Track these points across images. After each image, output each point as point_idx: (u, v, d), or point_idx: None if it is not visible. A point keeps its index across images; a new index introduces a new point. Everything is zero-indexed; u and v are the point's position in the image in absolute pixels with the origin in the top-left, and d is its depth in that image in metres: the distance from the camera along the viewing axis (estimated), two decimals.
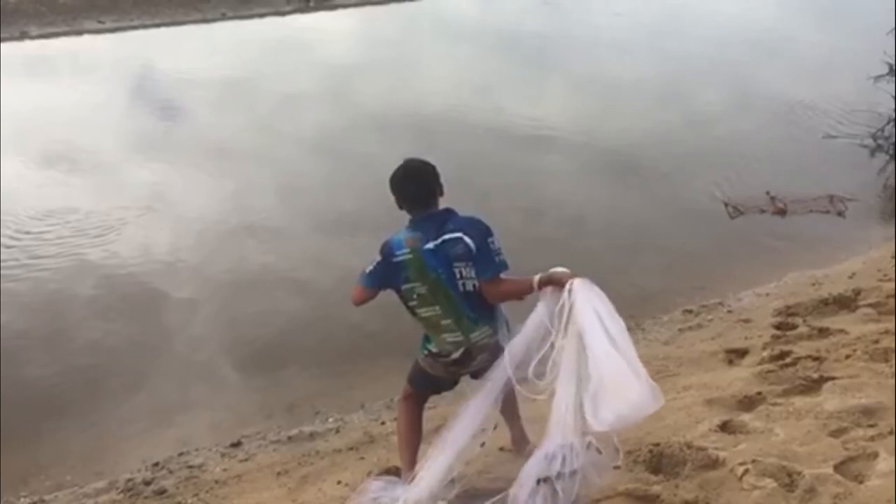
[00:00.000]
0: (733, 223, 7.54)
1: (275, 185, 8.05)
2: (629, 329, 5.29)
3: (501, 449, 4.19)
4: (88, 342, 5.91)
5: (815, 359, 4.77)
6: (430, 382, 3.87)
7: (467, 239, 3.50)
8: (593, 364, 3.28)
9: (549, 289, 3.45)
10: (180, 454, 4.84)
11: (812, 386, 4.47)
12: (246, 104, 10.04)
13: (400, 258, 3.54)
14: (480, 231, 3.54)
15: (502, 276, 3.52)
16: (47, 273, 6.70)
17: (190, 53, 11.94)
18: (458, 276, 3.51)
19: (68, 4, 12.90)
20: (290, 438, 4.90)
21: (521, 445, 4.09)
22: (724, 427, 4.12)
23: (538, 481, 3.42)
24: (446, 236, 3.51)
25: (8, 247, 7.02)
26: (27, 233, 7.22)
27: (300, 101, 10.02)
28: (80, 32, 12.49)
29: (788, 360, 4.84)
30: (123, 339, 5.94)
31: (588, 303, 3.35)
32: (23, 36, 12.12)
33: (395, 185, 3.64)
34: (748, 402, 4.41)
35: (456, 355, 3.62)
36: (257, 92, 10.41)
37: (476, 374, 3.73)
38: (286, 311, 6.21)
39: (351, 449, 4.63)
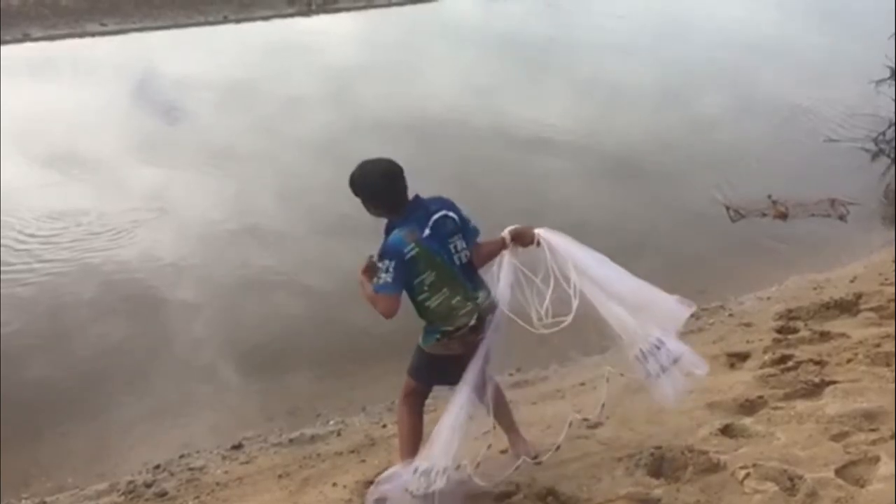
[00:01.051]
0: (735, 226, 7.54)
1: (277, 187, 8.05)
2: None
3: (503, 452, 4.21)
4: (90, 344, 5.91)
5: (817, 363, 4.78)
6: (438, 373, 3.86)
7: (452, 214, 3.71)
8: (609, 288, 3.78)
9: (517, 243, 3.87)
10: (181, 456, 4.83)
11: (813, 390, 4.48)
12: (248, 107, 10.05)
13: (409, 254, 3.57)
14: (454, 204, 3.78)
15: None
16: (48, 275, 6.70)
17: (192, 56, 11.95)
18: (453, 251, 3.68)
19: (70, 7, 12.91)
20: (291, 441, 4.89)
21: (519, 447, 4.10)
22: (726, 431, 4.13)
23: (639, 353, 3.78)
24: (434, 217, 3.65)
25: (12, 249, 7.02)
26: (31, 235, 7.22)
27: (302, 104, 10.02)
28: (82, 35, 12.50)
29: (790, 363, 4.85)
30: (125, 341, 5.94)
31: (565, 242, 3.87)
32: (25, 38, 12.14)
33: (383, 189, 3.64)
34: (749, 406, 4.42)
35: (472, 322, 3.69)
36: (259, 95, 10.41)
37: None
38: (288, 314, 6.22)
39: (352, 452, 4.63)
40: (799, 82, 10.72)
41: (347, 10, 14.11)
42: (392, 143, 8.33)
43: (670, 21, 13.88)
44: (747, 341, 5.45)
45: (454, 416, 3.72)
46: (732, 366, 5.14)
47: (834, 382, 4.48)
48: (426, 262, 3.60)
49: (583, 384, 5.15)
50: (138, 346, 5.89)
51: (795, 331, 5.48)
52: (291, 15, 13.70)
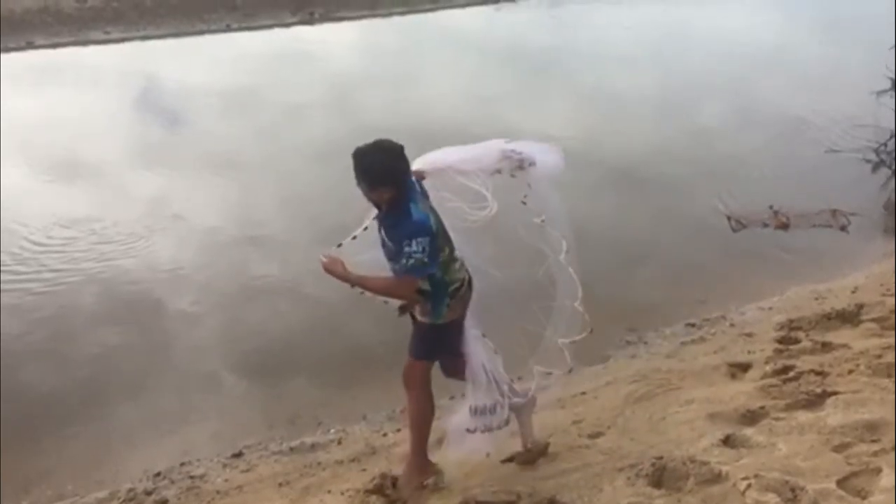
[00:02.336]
0: (736, 236, 7.53)
1: (278, 195, 8.06)
2: (632, 344, 5.41)
3: (508, 460, 4.21)
4: (91, 351, 5.92)
5: (818, 373, 4.77)
6: (446, 343, 3.99)
7: None
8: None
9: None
10: (182, 464, 4.84)
11: (815, 401, 4.47)
12: (250, 115, 10.06)
13: (432, 224, 3.68)
14: None
15: None
16: (49, 282, 6.71)
17: (195, 64, 11.98)
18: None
19: (74, 15, 12.94)
20: (291, 449, 4.90)
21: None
22: (727, 441, 4.12)
23: None
24: (419, 185, 3.83)
25: (18, 256, 7.03)
26: (36, 243, 7.22)
27: (304, 113, 10.04)
28: (85, 43, 12.54)
29: (791, 374, 4.84)
30: (125, 349, 5.94)
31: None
32: (29, 46, 12.17)
33: (401, 168, 3.67)
34: (751, 417, 4.41)
35: (467, 277, 3.89)
36: (262, 103, 10.43)
37: None
38: (289, 322, 6.22)
39: (353, 460, 4.63)
40: (800, 93, 10.72)
41: (349, 18, 14.14)
42: None
43: (673, 31, 13.90)
44: (748, 351, 5.45)
45: (479, 358, 3.98)
46: (734, 376, 5.13)
47: (835, 393, 4.47)
48: (436, 225, 3.73)
49: (584, 393, 5.15)
50: (139, 353, 5.89)
51: (797, 341, 5.48)
52: (294, 24, 13.72)
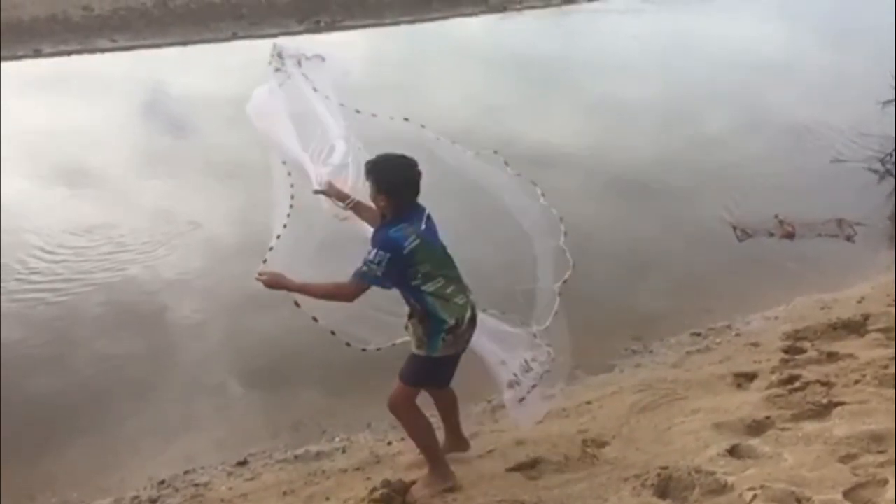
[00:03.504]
0: (742, 246, 7.52)
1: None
2: (637, 353, 5.42)
3: (514, 469, 4.20)
4: (95, 358, 5.92)
5: (824, 384, 4.75)
6: (438, 374, 4.06)
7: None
8: None
9: None
10: (186, 472, 4.83)
11: (821, 411, 4.45)
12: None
13: (409, 247, 3.73)
14: None
15: None
16: (53, 290, 6.72)
17: (202, 72, 12.01)
18: (443, 244, 3.92)
19: (82, 23, 13.02)
20: (296, 457, 4.89)
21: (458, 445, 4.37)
22: (733, 451, 4.11)
23: None
24: (426, 213, 3.88)
25: (24, 265, 7.05)
26: (47, 251, 7.24)
27: (310, 121, 10.05)
28: (92, 51, 12.60)
29: (797, 384, 4.83)
30: (130, 356, 5.94)
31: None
32: (37, 53, 12.24)
33: (410, 186, 3.83)
34: (757, 427, 4.40)
35: (469, 315, 3.90)
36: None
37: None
38: (293, 330, 6.20)
39: (357, 469, 4.61)
40: (806, 102, 10.72)
41: (356, 27, 14.19)
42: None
43: (679, 41, 13.91)
44: (754, 361, 5.43)
45: (495, 342, 4.15)
46: (739, 386, 5.12)
47: (842, 404, 4.45)
48: (423, 253, 3.77)
49: (589, 403, 5.14)
50: (144, 361, 5.89)
51: (803, 351, 5.46)
52: (300, 32, 13.77)
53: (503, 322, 4.26)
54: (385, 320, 4.13)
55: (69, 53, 12.46)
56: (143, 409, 5.42)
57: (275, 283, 3.90)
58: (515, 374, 4.16)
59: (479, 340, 4.12)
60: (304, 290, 3.91)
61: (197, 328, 6.24)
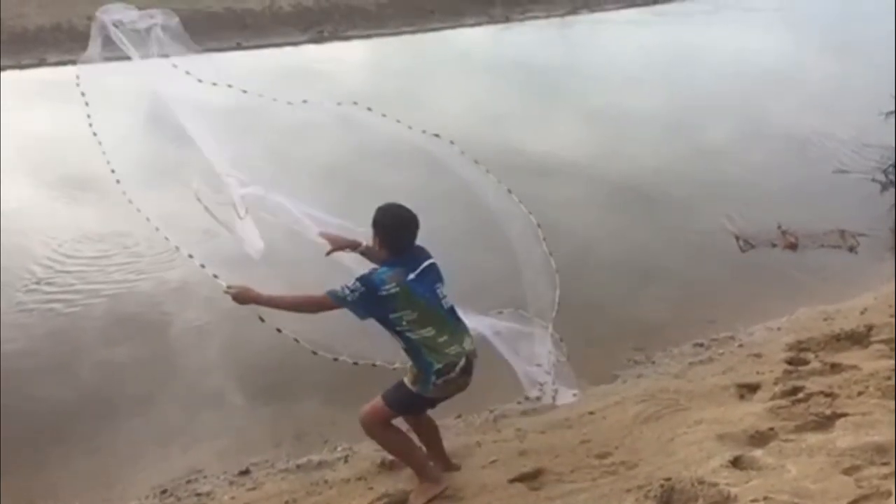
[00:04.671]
0: (744, 256, 7.53)
1: None
2: (640, 363, 5.44)
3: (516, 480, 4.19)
4: (98, 366, 5.92)
5: (828, 395, 4.74)
6: (419, 408, 4.21)
7: (436, 263, 4.06)
8: None
9: None
10: (188, 481, 4.83)
11: (824, 422, 4.44)
12: (259, 132, 10.09)
13: (386, 292, 3.84)
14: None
15: None
16: (55, 298, 6.73)
17: (205, 81, 12.03)
18: (440, 296, 3.99)
19: (86, 32, 12.98)
20: (298, 467, 4.88)
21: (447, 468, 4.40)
22: (736, 463, 4.10)
23: None
24: (424, 264, 3.97)
25: (30, 270, 7.05)
26: (55, 260, 7.25)
27: (312, 131, 10.07)
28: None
29: (800, 395, 4.82)
30: (133, 364, 5.95)
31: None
32: (41, 63, 12.29)
33: (400, 237, 4.01)
34: (760, 438, 4.39)
35: (462, 364, 3.96)
36: (270, 120, 10.47)
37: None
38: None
39: (359, 479, 4.61)
40: (809, 113, 10.74)
41: (359, 37, 14.24)
42: (400, 171, 8.37)
43: (682, 51, 13.95)
44: (757, 372, 5.42)
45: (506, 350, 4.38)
46: (742, 397, 5.11)
47: (845, 415, 4.44)
48: (406, 301, 3.86)
49: (591, 413, 5.13)
50: (146, 369, 5.90)
51: (806, 362, 5.45)
52: (304, 42, 13.83)
53: (515, 320, 4.50)
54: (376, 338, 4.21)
55: (74, 62, 12.48)
56: (145, 417, 5.42)
57: (243, 296, 4.04)
58: (540, 364, 4.41)
59: (498, 338, 4.40)
60: (273, 302, 4.06)
61: (199, 337, 6.24)
